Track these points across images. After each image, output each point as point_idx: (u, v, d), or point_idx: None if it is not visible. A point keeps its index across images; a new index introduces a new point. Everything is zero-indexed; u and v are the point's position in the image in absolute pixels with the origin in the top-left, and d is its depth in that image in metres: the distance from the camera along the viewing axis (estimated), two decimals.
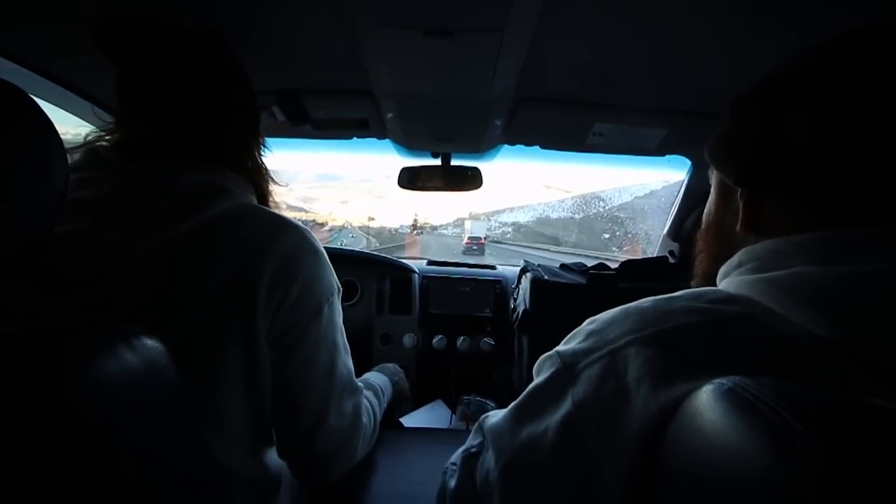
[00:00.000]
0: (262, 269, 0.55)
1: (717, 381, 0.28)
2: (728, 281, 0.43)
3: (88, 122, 1.03)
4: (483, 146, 1.25)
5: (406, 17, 0.62)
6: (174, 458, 0.37)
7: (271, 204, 0.73)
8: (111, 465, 0.30)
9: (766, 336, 0.34)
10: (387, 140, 1.27)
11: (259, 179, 0.70)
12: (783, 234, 0.39)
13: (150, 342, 0.36)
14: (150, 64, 0.59)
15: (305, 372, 0.62)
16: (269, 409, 0.62)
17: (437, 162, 1.37)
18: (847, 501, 0.20)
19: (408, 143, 1.27)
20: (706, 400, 0.28)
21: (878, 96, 0.35)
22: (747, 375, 0.28)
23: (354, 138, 1.23)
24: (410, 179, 1.42)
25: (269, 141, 0.75)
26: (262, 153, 0.72)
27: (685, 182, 1.33)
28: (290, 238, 0.60)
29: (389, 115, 1.05)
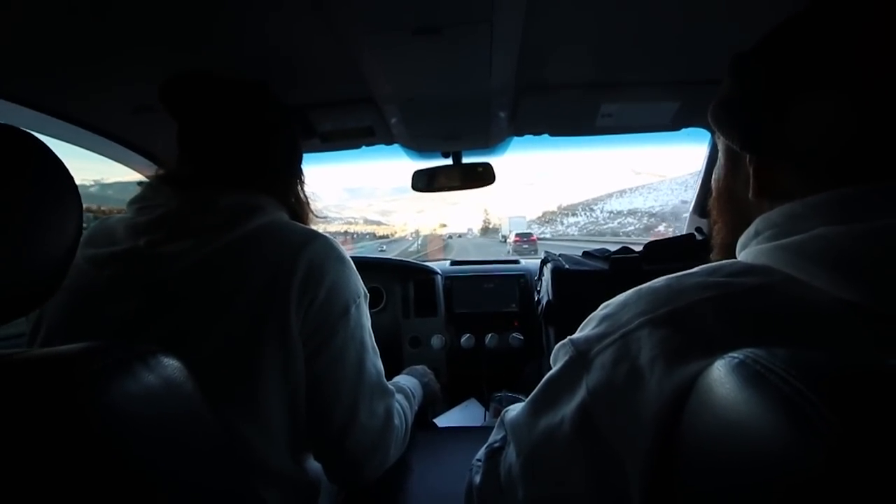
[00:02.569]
0: (293, 274, 0.61)
1: (729, 354, 0.27)
2: (747, 252, 0.41)
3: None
4: (491, 141, 1.24)
5: (391, 20, 0.62)
6: (199, 475, 0.38)
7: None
8: (133, 478, 0.31)
9: (788, 306, 0.32)
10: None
11: (298, 208, 0.80)
12: (798, 196, 0.37)
13: (168, 361, 0.38)
14: (206, 114, 0.70)
15: (335, 370, 0.65)
16: (304, 410, 0.65)
17: (449, 161, 1.37)
18: (863, 473, 0.18)
19: (416, 146, 1.28)
20: (718, 375, 0.27)
21: (878, 36, 0.32)
22: (765, 348, 0.26)
23: (363, 147, 1.25)
24: (424, 182, 1.42)
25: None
26: (303, 187, 0.82)
27: (707, 154, 1.28)
28: (317, 246, 0.65)
29: (394, 120, 1.05)
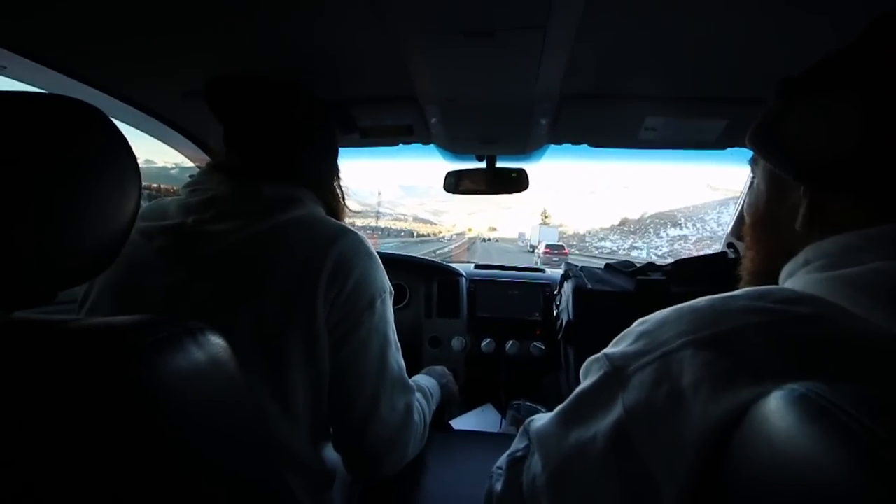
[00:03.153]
0: (323, 264, 0.64)
1: (789, 386, 0.26)
2: (794, 280, 0.39)
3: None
4: (528, 147, 1.24)
5: (445, 21, 0.63)
6: (236, 447, 0.39)
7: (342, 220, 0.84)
8: (173, 455, 0.32)
9: (841, 338, 0.30)
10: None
11: (333, 203, 0.83)
12: (852, 228, 0.36)
13: (214, 338, 0.39)
14: (242, 113, 0.76)
15: (357, 361, 0.67)
16: (326, 398, 0.67)
17: (483, 165, 1.37)
18: None
19: (452, 147, 1.28)
20: (776, 407, 0.26)
21: None
22: (818, 380, 0.25)
23: (401, 144, 1.26)
24: (456, 183, 1.42)
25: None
26: (339, 182, 0.87)
27: (750, 176, 1.24)
28: (348, 241, 0.68)
29: (433, 120, 1.06)
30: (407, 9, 0.62)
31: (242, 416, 0.40)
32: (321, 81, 0.92)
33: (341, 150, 1.19)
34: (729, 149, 1.12)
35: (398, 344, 0.75)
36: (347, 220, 0.86)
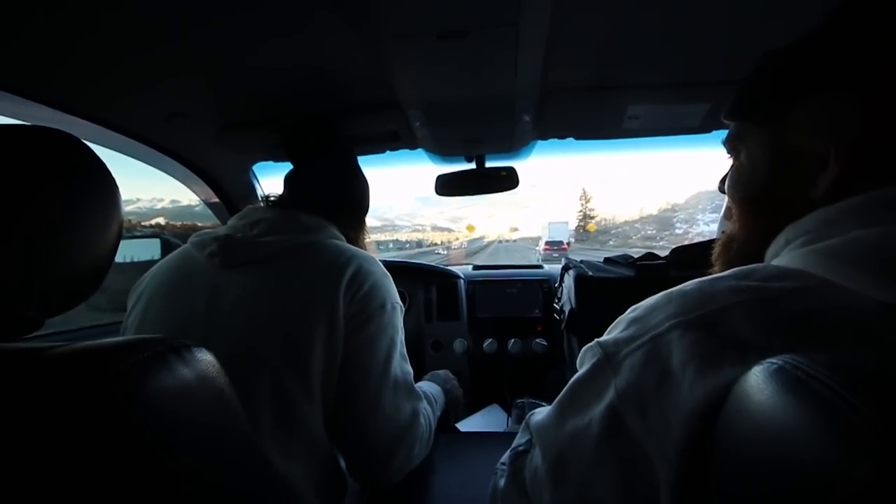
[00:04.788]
0: (344, 269, 0.74)
1: (767, 360, 0.26)
2: (778, 260, 0.39)
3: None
4: (515, 144, 1.24)
5: (417, 25, 0.63)
6: (228, 463, 0.39)
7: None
8: (165, 473, 0.32)
9: (825, 310, 0.31)
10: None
11: (354, 235, 0.95)
12: (829, 203, 0.36)
13: (202, 354, 0.39)
14: (304, 162, 0.93)
15: (365, 352, 0.73)
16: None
17: (472, 166, 1.38)
18: None
19: (440, 150, 1.28)
20: (756, 381, 0.26)
21: None
22: (804, 353, 0.25)
23: (388, 151, 1.26)
24: (446, 186, 1.43)
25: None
26: (363, 220, 1.00)
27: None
28: (364, 259, 0.78)
29: (418, 124, 1.06)
30: (379, 16, 0.63)
31: (234, 431, 0.40)
32: (300, 93, 0.93)
33: None
34: (714, 131, 1.12)
35: (405, 353, 0.81)
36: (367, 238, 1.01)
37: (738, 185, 0.48)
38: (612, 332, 0.41)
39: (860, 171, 0.37)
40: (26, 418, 0.30)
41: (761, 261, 0.43)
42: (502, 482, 0.51)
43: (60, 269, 0.39)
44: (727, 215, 1.36)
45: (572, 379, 0.44)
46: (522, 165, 1.40)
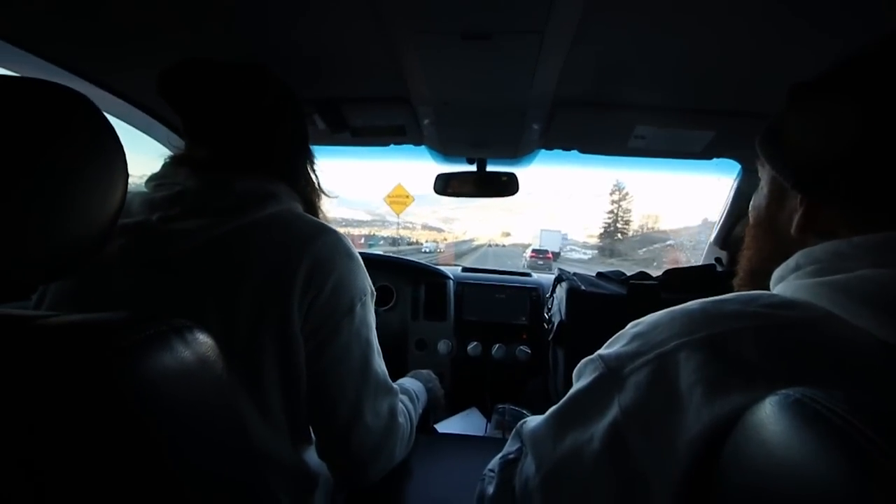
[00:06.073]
0: (298, 265, 0.61)
1: (783, 391, 0.26)
2: (784, 285, 0.40)
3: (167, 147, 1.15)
4: (519, 151, 1.24)
5: (444, 22, 0.62)
6: (218, 449, 0.38)
7: (320, 215, 0.79)
8: (157, 456, 0.31)
9: (830, 343, 0.31)
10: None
11: (309, 191, 0.78)
12: (845, 235, 0.37)
13: (202, 336, 0.37)
14: (203, 103, 0.69)
15: (339, 367, 0.65)
16: (304, 405, 0.65)
17: (473, 168, 1.37)
18: None
19: (444, 150, 1.28)
20: (771, 412, 0.26)
21: None
22: (808, 385, 0.26)
23: (392, 145, 1.25)
24: (446, 186, 1.42)
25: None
26: (313, 168, 0.81)
27: (734, 187, 1.27)
28: (326, 240, 0.65)
29: (426, 122, 1.06)
30: (405, 8, 0.62)
31: (228, 418, 0.39)
32: (313, 78, 0.91)
33: (336, 150, 1.15)
34: (714, 159, 1.15)
35: (379, 349, 0.73)
36: (346, 230, 0.83)
37: (753, 209, 0.50)
38: (614, 346, 0.41)
39: (836, 215, 0.38)
40: (10, 392, 0.28)
41: (765, 281, 0.44)
42: (491, 489, 0.51)
43: (60, 233, 0.37)
44: (717, 242, 1.39)
45: (572, 390, 0.44)
46: (522, 172, 1.41)
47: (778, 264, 0.42)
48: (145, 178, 0.70)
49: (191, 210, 0.61)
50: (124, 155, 0.44)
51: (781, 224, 0.44)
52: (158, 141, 1.21)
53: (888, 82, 0.35)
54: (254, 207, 0.64)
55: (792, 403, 0.25)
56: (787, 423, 0.25)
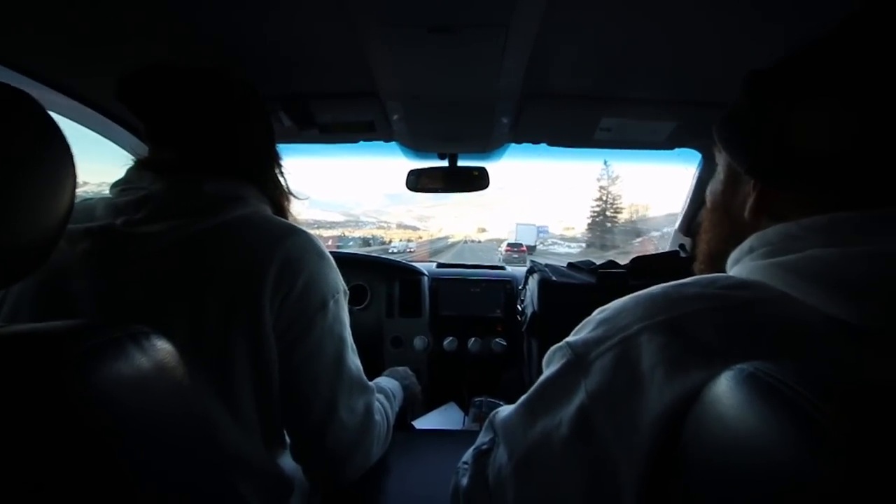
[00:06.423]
0: (269, 265, 0.61)
1: (737, 366, 0.27)
2: (739, 267, 0.42)
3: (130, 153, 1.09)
4: (490, 145, 1.25)
5: (409, 15, 0.62)
6: (182, 456, 0.36)
7: (290, 217, 0.78)
8: (115, 467, 0.29)
9: (782, 321, 0.33)
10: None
11: (277, 193, 0.77)
12: (795, 217, 0.38)
13: (160, 342, 0.36)
14: (165, 107, 0.67)
15: (312, 365, 0.65)
16: (278, 406, 0.65)
17: (444, 163, 1.37)
18: (877, 484, 0.19)
19: (414, 145, 1.27)
20: (726, 386, 0.27)
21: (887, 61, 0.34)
22: (772, 361, 0.27)
23: (362, 142, 1.23)
24: (417, 181, 1.42)
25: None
26: (280, 170, 0.79)
27: (696, 175, 1.31)
28: (296, 241, 0.65)
29: (395, 117, 1.05)
30: (372, 2, 0.61)
31: (192, 425, 0.38)
32: (278, 72, 0.89)
33: (306, 148, 1.12)
34: (678, 149, 1.18)
35: (354, 346, 0.73)
36: (317, 232, 0.81)
37: (710, 193, 0.52)
38: (581, 333, 0.42)
39: (787, 199, 0.40)
40: None
41: (723, 264, 0.46)
42: (465, 481, 0.51)
43: (7, 240, 0.34)
44: (681, 229, 1.44)
45: (541, 378, 0.44)
46: (492, 167, 1.42)
47: (734, 247, 0.44)
48: (108, 185, 0.68)
49: (156, 213, 0.60)
50: (72, 155, 0.42)
51: (736, 208, 0.46)
52: (121, 146, 1.16)
53: (835, 70, 0.36)
54: (223, 209, 0.63)
55: (746, 377, 0.26)
56: (742, 396, 0.26)
